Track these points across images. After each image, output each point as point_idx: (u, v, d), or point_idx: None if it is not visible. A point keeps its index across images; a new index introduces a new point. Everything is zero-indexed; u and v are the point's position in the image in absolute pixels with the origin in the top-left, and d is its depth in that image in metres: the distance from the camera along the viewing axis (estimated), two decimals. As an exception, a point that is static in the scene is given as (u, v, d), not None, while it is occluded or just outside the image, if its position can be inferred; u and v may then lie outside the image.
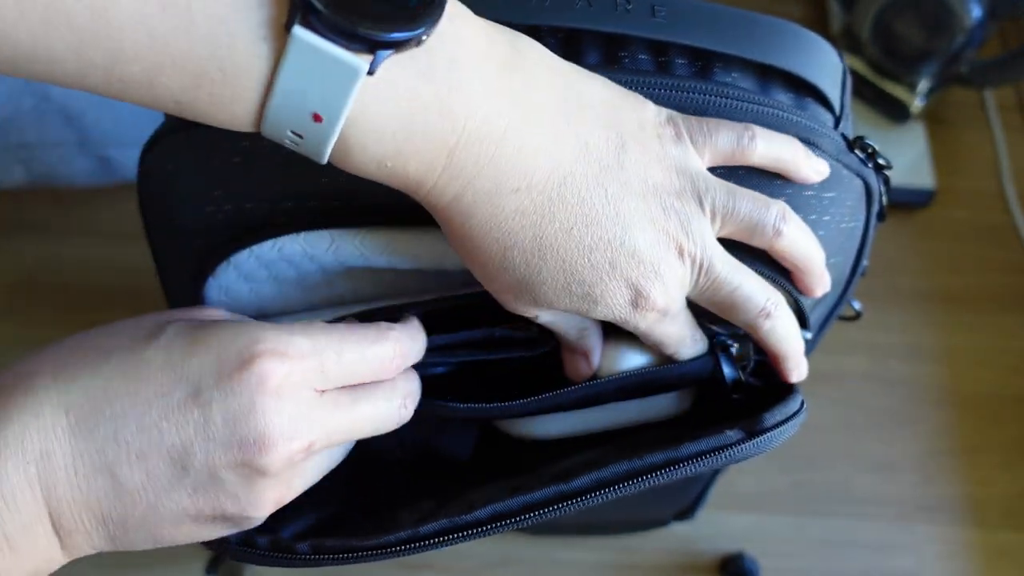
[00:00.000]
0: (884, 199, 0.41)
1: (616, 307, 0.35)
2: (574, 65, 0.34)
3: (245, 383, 0.32)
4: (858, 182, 0.39)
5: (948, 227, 0.79)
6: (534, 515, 0.35)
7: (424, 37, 0.28)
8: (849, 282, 0.44)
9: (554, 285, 0.34)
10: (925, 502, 0.66)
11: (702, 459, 0.35)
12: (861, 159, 0.39)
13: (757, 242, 0.36)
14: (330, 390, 0.34)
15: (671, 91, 0.36)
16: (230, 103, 0.28)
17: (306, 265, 0.39)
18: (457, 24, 0.30)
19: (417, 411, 0.38)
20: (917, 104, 0.79)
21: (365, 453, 0.45)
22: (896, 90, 0.80)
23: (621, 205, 0.33)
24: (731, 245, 0.36)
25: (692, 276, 0.35)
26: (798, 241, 0.37)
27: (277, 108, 0.28)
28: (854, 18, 0.80)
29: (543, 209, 0.32)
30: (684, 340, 0.38)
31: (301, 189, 0.36)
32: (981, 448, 0.68)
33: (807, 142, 0.37)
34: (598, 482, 0.35)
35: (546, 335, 0.40)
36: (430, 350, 0.39)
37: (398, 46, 0.28)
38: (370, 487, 0.42)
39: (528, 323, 0.38)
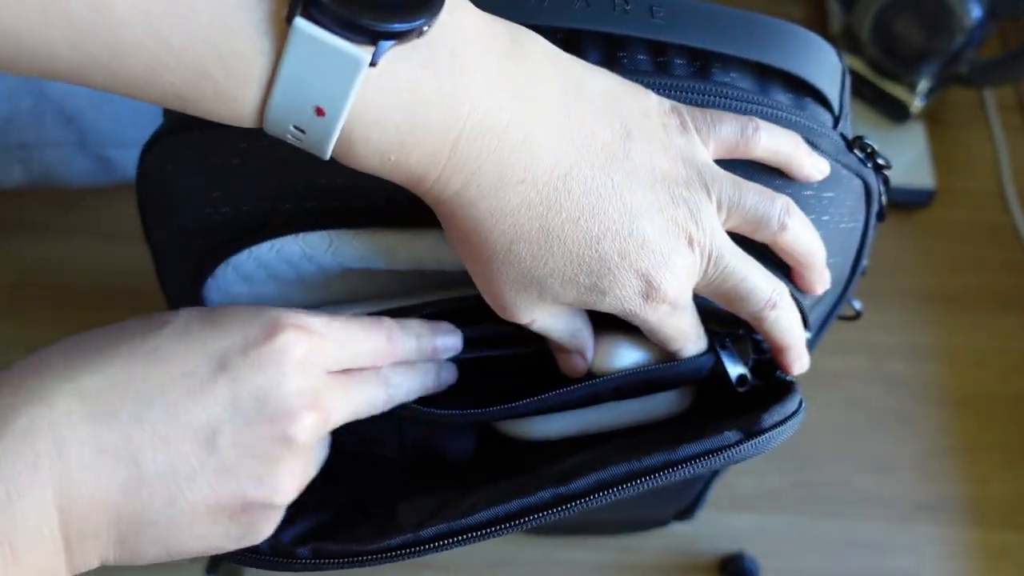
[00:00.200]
0: (884, 199, 0.41)
1: (626, 299, 0.34)
2: (576, 57, 0.34)
3: (272, 355, 0.32)
4: (857, 182, 0.39)
5: (948, 227, 0.79)
6: (533, 518, 0.35)
7: (426, 28, 0.28)
8: (849, 282, 0.44)
9: (561, 277, 0.34)
10: (925, 502, 0.66)
11: (700, 460, 0.35)
12: (860, 159, 0.39)
13: (761, 236, 0.36)
14: (334, 371, 0.35)
15: (670, 91, 0.36)
16: (233, 97, 0.28)
17: (305, 266, 0.39)
18: (458, 16, 0.30)
19: (417, 414, 0.38)
20: (917, 104, 0.79)
21: (365, 455, 0.45)
22: (896, 90, 0.80)
23: (628, 194, 0.33)
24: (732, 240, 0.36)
25: (702, 266, 0.35)
26: (801, 236, 0.37)
27: (280, 102, 0.28)
28: (854, 18, 0.80)
29: (549, 200, 0.32)
30: (690, 335, 0.38)
31: (300, 190, 0.36)
32: (981, 448, 0.68)
33: (806, 142, 0.37)
34: (597, 484, 0.35)
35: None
36: None
37: (400, 37, 0.28)
38: (370, 490, 0.42)
39: None
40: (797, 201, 0.37)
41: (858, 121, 0.81)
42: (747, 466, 0.65)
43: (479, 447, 0.46)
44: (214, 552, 0.34)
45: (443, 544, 0.35)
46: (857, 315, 0.48)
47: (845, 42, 0.82)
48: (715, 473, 0.54)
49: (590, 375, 0.40)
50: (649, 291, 0.34)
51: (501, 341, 0.41)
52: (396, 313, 0.39)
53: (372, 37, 0.27)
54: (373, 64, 0.28)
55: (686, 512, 0.60)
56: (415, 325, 0.38)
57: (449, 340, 0.39)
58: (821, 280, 0.39)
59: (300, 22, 0.27)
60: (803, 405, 0.38)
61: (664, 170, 0.34)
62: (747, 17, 0.38)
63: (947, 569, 0.63)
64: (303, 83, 0.28)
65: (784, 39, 0.39)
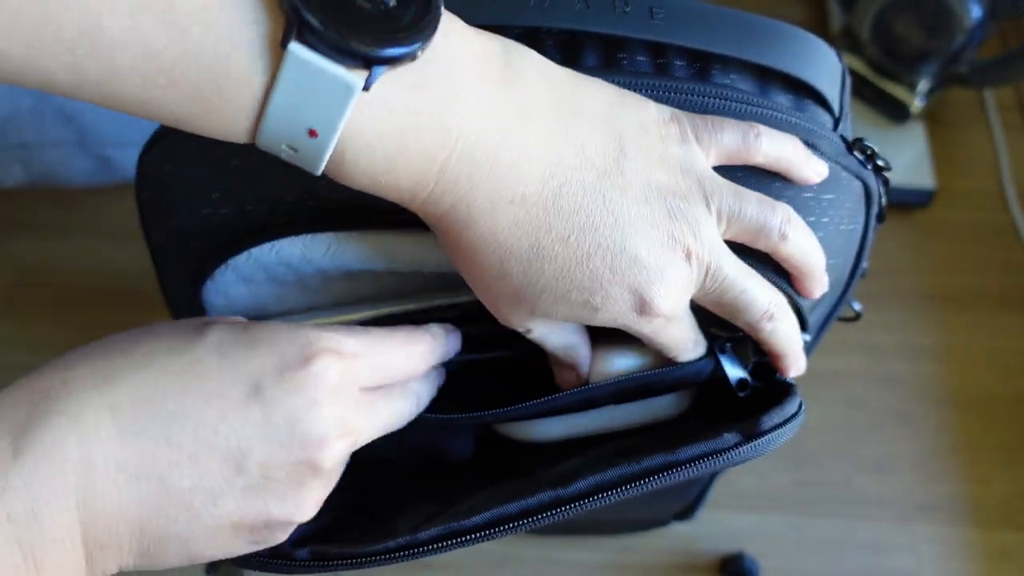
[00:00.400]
0: (883, 201, 0.41)
1: (619, 314, 0.34)
2: (571, 71, 0.34)
3: (306, 381, 0.32)
4: (857, 184, 0.39)
5: (948, 227, 0.79)
6: (533, 520, 0.35)
7: (419, 53, 0.28)
8: (849, 283, 0.44)
9: (553, 293, 0.34)
10: (925, 502, 0.66)
11: (700, 462, 0.35)
12: (860, 161, 0.39)
13: (762, 245, 0.36)
14: (366, 389, 0.35)
15: (670, 93, 0.36)
16: (226, 117, 0.28)
17: (304, 268, 0.39)
18: (451, 38, 0.30)
19: (417, 417, 0.38)
20: (917, 104, 0.79)
21: (364, 458, 0.45)
22: (896, 90, 0.80)
23: (620, 211, 0.33)
24: (730, 247, 0.36)
25: (699, 279, 0.35)
26: (802, 245, 0.37)
27: (273, 123, 0.28)
28: (854, 18, 0.80)
29: (539, 220, 0.32)
30: (687, 344, 0.38)
31: (299, 192, 0.36)
32: (981, 448, 0.68)
33: (806, 144, 0.37)
34: (596, 486, 0.35)
35: None
36: None
37: (393, 62, 0.28)
38: (369, 492, 0.42)
39: None
40: (797, 203, 0.37)
41: (858, 121, 0.81)
42: (747, 466, 0.65)
43: (479, 449, 0.46)
44: (234, 555, 0.34)
45: (442, 546, 0.35)
46: (857, 316, 0.48)
47: (845, 42, 0.82)
48: (715, 474, 0.55)
49: (586, 382, 0.40)
50: (642, 306, 0.34)
51: (500, 342, 0.41)
52: (398, 317, 0.39)
53: (366, 62, 0.27)
54: (366, 89, 0.28)
55: (686, 512, 0.60)
56: (439, 332, 0.38)
57: (456, 343, 0.39)
58: (820, 285, 0.39)
59: (295, 46, 0.27)
60: (803, 407, 0.38)
61: (661, 183, 0.34)
62: (747, 18, 0.38)
63: (947, 569, 0.63)
64: (296, 106, 0.28)
65: (784, 41, 0.39)
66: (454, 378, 0.43)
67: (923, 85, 0.79)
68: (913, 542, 0.64)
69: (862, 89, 0.81)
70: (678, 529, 0.63)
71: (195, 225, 0.38)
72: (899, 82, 0.79)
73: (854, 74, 0.80)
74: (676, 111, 0.35)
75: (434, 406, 0.39)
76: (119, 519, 0.30)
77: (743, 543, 0.63)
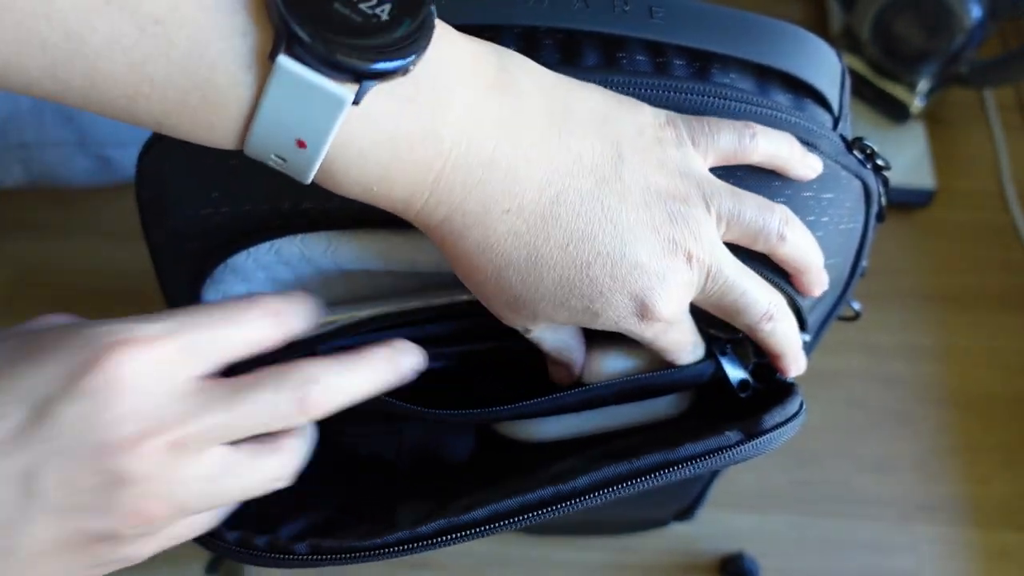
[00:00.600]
0: (883, 200, 0.41)
1: (620, 319, 0.34)
2: (565, 77, 0.34)
3: (94, 383, 0.29)
4: (857, 183, 0.39)
5: (948, 227, 0.79)
6: (532, 515, 0.35)
7: (411, 68, 0.28)
8: (848, 283, 0.44)
9: (553, 301, 0.34)
10: (925, 502, 0.66)
11: (701, 460, 0.35)
12: (860, 160, 0.39)
13: (760, 247, 0.36)
14: (210, 378, 0.31)
15: (669, 92, 0.36)
16: (213, 127, 0.28)
17: (303, 268, 0.39)
18: (443, 49, 0.30)
19: (413, 414, 0.38)
20: (917, 104, 0.79)
21: (364, 455, 0.45)
22: (896, 90, 0.80)
23: (619, 218, 0.32)
24: (728, 249, 0.36)
25: (700, 282, 0.35)
26: (800, 245, 0.37)
27: (260, 133, 0.28)
28: (854, 18, 0.80)
29: (536, 229, 0.32)
30: (686, 347, 0.38)
31: (298, 191, 0.36)
32: (981, 448, 0.68)
33: (806, 143, 0.37)
34: (596, 483, 0.35)
35: None
36: (421, 342, 0.39)
37: (384, 76, 0.28)
38: (368, 489, 0.42)
39: None
40: (796, 202, 0.37)
41: (858, 121, 0.81)
42: (747, 466, 0.65)
43: (478, 449, 0.46)
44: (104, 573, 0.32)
45: (441, 540, 0.35)
46: (856, 316, 0.48)
47: (845, 42, 0.82)
48: (715, 474, 0.55)
49: (579, 383, 0.40)
50: (644, 311, 0.34)
51: (497, 336, 0.41)
52: (397, 316, 0.39)
53: (356, 76, 0.27)
54: (356, 103, 0.27)
55: (686, 512, 0.60)
56: (301, 303, 0.34)
57: (414, 362, 0.37)
58: (819, 283, 0.38)
59: (283, 60, 0.26)
60: (804, 407, 0.38)
61: (660, 187, 0.33)
62: (747, 18, 0.38)
63: (947, 569, 0.63)
64: (284, 118, 0.28)
65: (784, 40, 0.39)
66: (454, 377, 0.43)
67: (923, 85, 0.79)
68: (913, 542, 0.64)
69: (862, 89, 0.81)
70: (678, 529, 0.63)
71: (195, 225, 0.38)
72: (899, 82, 0.79)
73: (854, 74, 0.80)
74: (671, 114, 0.35)
75: (434, 404, 0.39)
76: None
77: (743, 543, 0.63)
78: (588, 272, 0.33)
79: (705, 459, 0.35)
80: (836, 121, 0.40)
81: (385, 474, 0.44)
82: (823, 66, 0.39)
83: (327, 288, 0.41)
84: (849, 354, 0.71)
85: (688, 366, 0.39)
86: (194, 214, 0.38)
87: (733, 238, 0.35)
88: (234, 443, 0.32)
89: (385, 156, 0.29)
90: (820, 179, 0.38)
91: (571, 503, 0.35)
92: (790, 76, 0.38)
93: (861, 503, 0.65)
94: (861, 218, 0.41)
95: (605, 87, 0.35)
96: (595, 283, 0.33)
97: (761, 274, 0.37)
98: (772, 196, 0.36)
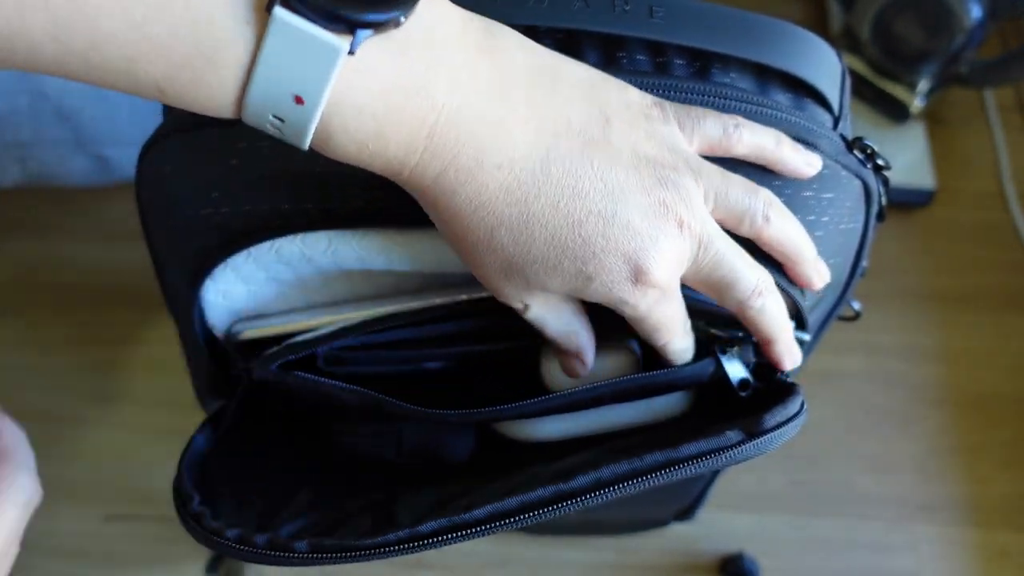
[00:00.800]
0: (883, 200, 0.41)
1: (614, 284, 0.34)
2: (552, 50, 0.34)
3: None
4: (857, 183, 0.39)
5: (948, 227, 0.79)
6: (533, 515, 0.35)
7: (403, 19, 0.29)
8: (848, 283, 0.44)
9: (545, 264, 0.34)
10: (925, 502, 0.66)
11: (702, 460, 0.35)
12: (860, 160, 0.39)
13: (745, 230, 0.36)
14: None
15: (669, 91, 0.36)
16: (212, 86, 0.29)
17: (304, 267, 0.39)
18: (433, 10, 0.30)
19: (413, 414, 0.38)
20: (917, 104, 0.79)
21: (363, 454, 0.45)
22: (896, 90, 0.80)
23: (610, 176, 0.33)
24: None
25: (693, 251, 0.34)
26: (785, 229, 0.36)
27: (259, 91, 0.29)
28: (854, 18, 0.80)
29: (527, 185, 0.32)
30: (677, 328, 0.37)
31: (299, 191, 0.36)
32: (981, 448, 0.68)
33: (806, 143, 0.37)
34: (597, 482, 0.35)
35: None
36: (423, 343, 0.39)
37: (377, 27, 0.28)
38: (368, 487, 0.42)
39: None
40: (796, 202, 0.37)
41: (858, 121, 0.81)
42: (747, 466, 0.65)
43: (478, 450, 0.46)
44: None
45: (441, 540, 0.35)
46: (856, 315, 0.48)
47: (845, 42, 0.82)
48: (715, 474, 0.55)
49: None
50: (637, 274, 0.34)
51: (500, 336, 0.41)
52: (397, 317, 0.39)
53: (350, 26, 0.28)
54: (351, 53, 0.28)
55: (686, 512, 0.60)
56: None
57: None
58: (816, 273, 0.38)
59: (280, 11, 0.27)
60: (805, 407, 0.38)
61: (650, 155, 0.33)
62: (747, 17, 0.38)
63: (947, 569, 0.63)
64: (282, 71, 0.28)
65: (784, 39, 0.39)
66: (454, 376, 0.43)
67: (923, 85, 0.79)
68: (913, 542, 0.64)
69: (862, 89, 0.81)
70: (678, 529, 0.63)
71: (195, 224, 0.38)
72: (899, 82, 0.79)
73: (854, 74, 0.80)
74: (658, 99, 0.35)
75: (434, 404, 0.39)
76: None
77: (743, 543, 0.63)
78: (580, 231, 0.33)
79: (706, 459, 0.35)
80: (836, 121, 0.40)
81: (385, 474, 0.44)
82: (823, 66, 0.39)
83: (327, 288, 0.41)
84: (849, 354, 0.71)
85: (688, 364, 0.39)
86: (194, 214, 0.38)
87: (720, 217, 0.35)
88: None
89: (380, 109, 0.30)
90: (820, 179, 0.38)
91: (572, 502, 0.35)
92: (790, 76, 0.38)
93: (861, 503, 0.65)
94: (861, 218, 0.41)
95: None
96: (588, 243, 0.33)
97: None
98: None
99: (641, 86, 0.36)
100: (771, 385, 0.40)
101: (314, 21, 0.27)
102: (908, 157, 0.80)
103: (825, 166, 0.38)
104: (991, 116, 0.85)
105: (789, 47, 0.39)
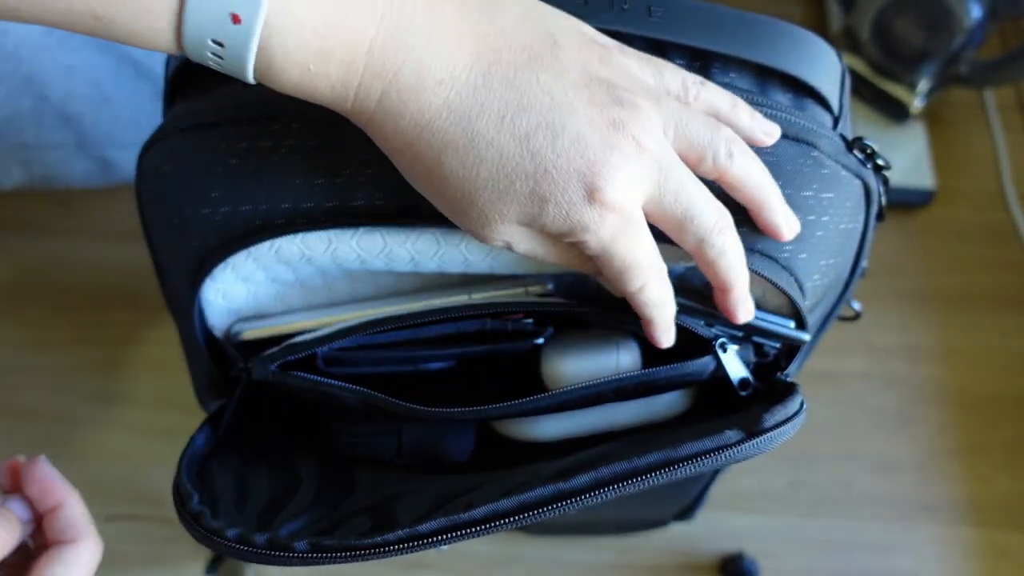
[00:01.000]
0: (883, 200, 0.41)
1: (571, 207, 0.32)
2: None
3: None
4: (857, 183, 0.39)
5: (948, 227, 0.79)
6: (532, 514, 0.35)
7: None
8: (848, 283, 0.44)
9: (497, 187, 0.32)
10: (925, 502, 0.66)
11: (701, 459, 0.35)
12: (860, 160, 0.39)
13: (707, 167, 0.35)
14: None
15: (669, 91, 0.36)
16: (149, 11, 0.28)
17: (304, 267, 0.39)
18: None
19: (411, 412, 0.37)
20: (917, 104, 0.79)
21: (363, 454, 0.45)
22: (896, 90, 0.80)
23: (556, 91, 0.32)
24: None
25: (652, 178, 0.33)
26: (750, 168, 0.35)
27: (195, 11, 0.28)
28: (854, 18, 0.80)
29: (470, 100, 0.31)
30: (651, 270, 0.35)
31: (298, 190, 0.36)
32: (981, 448, 0.68)
33: (806, 142, 0.37)
34: (597, 481, 0.35)
35: (540, 327, 0.40)
36: (422, 343, 0.39)
37: None
38: (368, 487, 0.42)
39: (520, 315, 0.38)
40: (796, 201, 0.37)
41: (858, 121, 0.81)
42: (747, 466, 0.65)
43: (478, 449, 0.46)
44: None
45: (442, 538, 0.35)
46: (856, 315, 0.48)
47: (845, 42, 0.82)
48: (715, 474, 0.55)
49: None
50: (592, 192, 0.32)
51: (493, 337, 0.41)
52: (396, 318, 0.39)
53: None
54: None
55: (686, 512, 0.60)
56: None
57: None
58: (785, 220, 0.36)
59: None
60: (804, 406, 0.38)
61: (603, 75, 0.33)
62: (746, 17, 0.38)
63: (947, 569, 0.63)
64: None
65: (784, 39, 0.39)
66: (454, 376, 0.43)
67: (923, 85, 0.79)
68: (913, 542, 0.64)
69: (862, 89, 0.81)
70: (678, 529, 0.63)
71: (195, 224, 0.38)
72: (899, 82, 0.79)
73: (854, 74, 0.80)
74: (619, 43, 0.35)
75: (434, 403, 0.39)
76: None
77: (743, 543, 0.63)
78: (528, 145, 0.32)
79: (705, 458, 0.35)
80: (836, 121, 0.40)
81: (385, 474, 0.44)
82: (823, 66, 0.39)
83: (328, 288, 0.41)
84: (849, 354, 0.71)
85: (688, 362, 0.39)
86: (194, 213, 0.38)
87: (679, 150, 0.34)
88: None
89: (319, 27, 0.29)
90: (820, 179, 0.38)
91: (571, 502, 0.35)
92: (790, 76, 0.38)
93: (861, 503, 0.65)
94: (861, 217, 0.41)
95: None
96: (537, 157, 0.32)
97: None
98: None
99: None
100: (771, 384, 0.40)
101: None
102: (908, 157, 0.80)
103: (825, 166, 0.38)
104: (991, 116, 0.85)
105: (789, 47, 0.39)
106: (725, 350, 0.39)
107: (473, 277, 0.41)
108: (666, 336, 0.37)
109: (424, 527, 0.35)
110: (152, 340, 0.69)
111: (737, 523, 0.64)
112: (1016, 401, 0.70)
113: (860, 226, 0.41)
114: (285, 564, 0.36)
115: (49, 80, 0.58)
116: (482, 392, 0.40)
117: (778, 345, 0.41)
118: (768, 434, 0.36)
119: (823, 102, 0.39)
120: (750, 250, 0.37)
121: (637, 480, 0.35)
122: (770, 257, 0.38)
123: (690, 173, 0.34)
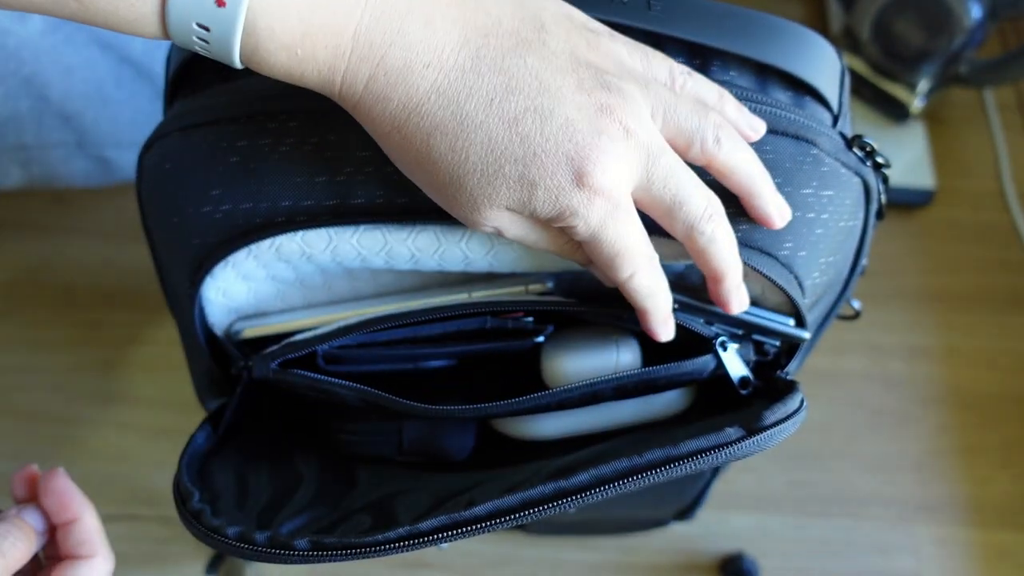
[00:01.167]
0: (883, 198, 0.41)
1: (560, 192, 0.32)
2: None
3: None
4: (856, 180, 0.39)
5: (948, 227, 0.79)
6: (533, 511, 0.35)
7: None
8: (848, 281, 0.44)
9: (486, 171, 0.32)
10: (925, 502, 0.66)
11: (702, 456, 0.35)
12: (859, 157, 0.39)
13: (696, 153, 0.34)
14: None
15: (669, 89, 0.36)
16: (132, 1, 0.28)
17: (304, 265, 0.39)
18: None
19: (411, 410, 0.37)
20: (917, 104, 0.79)
21: (363, 452, 0.45)
22: (896, 90, 0.80)
23: (544, 76, 0.32)
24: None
25: (641, 163, 0.33)
26: (739, 155, 0.35)
27: None
28: (854, 18, 0.80)
29: (459, 84, 0.31)
30: (641, 258, 0.35)
31: (299, 188, 0.36)
32: (981, 448, 0.68)
33: (805, 140, 0.37)
34: (598, 479, 0.35)
35: (540, 325, 0.40)
36: (422, 341, 0.39)
37: None
38: (368, 485, 0.42)
39: (520, 313, 0.38)
40: (795, 199, 0.37)
41: (858, 121, 0.81)
42: (747, 466, 0.65)
43: (478, 447, 0.46)
44: None
45: (443, 536, 0.35)
46: (856, 315, 0.48)
47: (845, 42, 0.82)
48: (715, 473, 0.54)
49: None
50: (580, 176, 0.32)
51: (493, 335, 0.41)
52: (399, 318, 0.39)
53: None
54: None
55: (686, 512, 0.60)
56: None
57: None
58: (776, 209, 0.36)
59: None
60: (804, 404, 0.38)
61: (591, 60, 0.33)
62: (747, 14, 0.38)
63: (947, 569, 0.63)
64: None
65: (784, 37, 0.39)
66: (454, 374, 0.43)
67: (923, 85, 0.79)
68: (913, 543, 0.64)
69: (862, 89, 0.81)
70: (678, 529, 0.63)
71: (195, 222, 0.38)
72: (899, 82, 0.79)
73: (854, 74, 0.80)
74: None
75: (434, 401, 0.39)
76: None
77: (743, 543, 0.63)
78: (517, 129, 0.32)
79: (706, 455, 0.35)
80: (836, 119, 0.40)
81: (385, 472, 0.44)
82: (823, 64, 0.39)
83: (328, 287, 0.41)
84: (849, 354, 0.71)
85: (688, 360, 0.39)
86: (194, 212, 0.38)
87: (667, 137, 0.34)
88: None
89: (305, 10, 0.29)
90: (820, 176, 0.38)
91: (572, 499, 0.35)
92: (790, 74, 0.38)
93: (861, 503, 0.65)
94: (861, 216, 0.41)
95: None
96: (527, 141, 0.32)
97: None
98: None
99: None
100: (771, 383, 0.40)
101: None
102: (908, 157, 0.80)
103: (824, 163, 0.38)
104: (991, 116, 0.85)
105: (789, 45, 0.39)
106: (725, 348, 0.39)
107: (473, 275, 0.41)
108: (663, 328, 0.37)
109: (425, 525, 0.35)
110: (152, 340, 0.69)
111: (737, 523, 0.64)
112: (1016, 401, 0.70)
113: (860, 224, 0.41)
114: (285, 562, 0.36)
115: (49, 80, 0.58)
116: (482, 390, 0.40)
117: (778, 343, 0.41)
118: (768, 431, 0.36)
119: (823, 100, 0.39)
120: (748, 246, 0.37)
121: (638, 477, 0.35)
122: (769, 254, 0.38)
123: (679, 159, 0.34)
